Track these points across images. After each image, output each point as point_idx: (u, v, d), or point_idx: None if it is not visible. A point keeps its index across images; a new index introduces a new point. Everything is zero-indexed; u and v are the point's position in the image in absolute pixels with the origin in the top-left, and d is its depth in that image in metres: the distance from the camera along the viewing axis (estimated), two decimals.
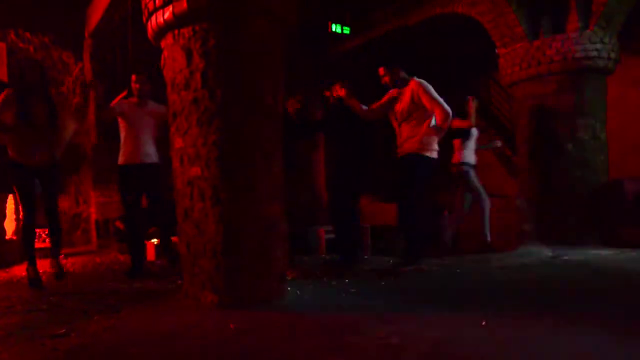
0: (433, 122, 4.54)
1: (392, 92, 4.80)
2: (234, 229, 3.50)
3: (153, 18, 3.72)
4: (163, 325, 3.18)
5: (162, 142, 4.48)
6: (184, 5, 3.43)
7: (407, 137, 4.53)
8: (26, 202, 4.45)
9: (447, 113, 4.36)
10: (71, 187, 6.90)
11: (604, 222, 6.92)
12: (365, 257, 5.94)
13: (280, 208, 3.76)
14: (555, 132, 7.26)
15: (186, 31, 3.56)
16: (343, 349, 2.61)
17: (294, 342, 2.81)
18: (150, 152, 4.94)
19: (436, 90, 4.49)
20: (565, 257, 5.51)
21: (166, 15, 3.56)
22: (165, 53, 3.84)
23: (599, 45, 6.97)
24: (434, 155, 4.54)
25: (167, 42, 3.77)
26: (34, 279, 4.40)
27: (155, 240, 5.91)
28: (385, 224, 9.17)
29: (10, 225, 5.94)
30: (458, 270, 4.88)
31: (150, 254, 5.80)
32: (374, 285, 4.23)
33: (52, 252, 4.78)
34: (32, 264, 4.45)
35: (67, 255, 6.13)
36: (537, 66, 7.26)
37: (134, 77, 4.90)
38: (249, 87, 3.56)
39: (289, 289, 3.96)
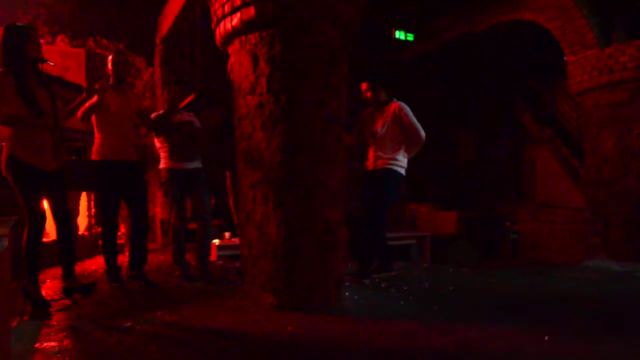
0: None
1: (366, 111, 4.97)
2: (295, 233, 3.54)
3: (221, 24, 3.83)
4: (222, 323, 3.27)
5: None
6: (252, 12, 3.52)
7: (382, 154, 4.73)
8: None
9: (423, 137, 4.67)
10: None
11: None
12: (425, 264, 5.86)
13: (341, 213, 3.78)
14: (628, 142, 6.94)
15: (253, 37, 3.65)
16: (400, 357, 2.60)
17: (351, 347, 2.82)
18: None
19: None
20: (637, 274, 5.25)
21: (234, 22, 3.66)
22: (232, 58, 3.94)
23: None
24: (404, 172, 4.80)
25: (234, 47, 3.87)
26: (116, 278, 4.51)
27: (217, 241, 6.05)
28: (445, 232, 9.07)
29: (82, 222, 6.23)
30: (519, 282, 4.74)
31: (213, 254, 5.95)
32: (430, 293, 4.18)
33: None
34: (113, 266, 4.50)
35: None
36: (609, 74, 6.97)
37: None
38: (313, 92, 3.60)
39: (346, 293, 3.97)
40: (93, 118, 4.38)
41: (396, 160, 4.71)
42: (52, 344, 2.82)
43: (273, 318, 3.33)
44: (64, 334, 3.02)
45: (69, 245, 3.87)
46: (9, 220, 2.23)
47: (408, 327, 3.12)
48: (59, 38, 6.56)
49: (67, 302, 3.79)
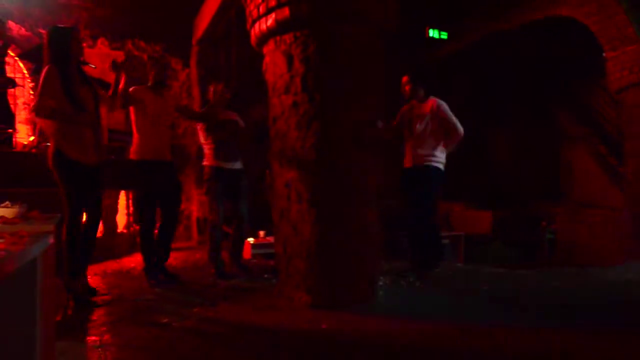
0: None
1: (404, 107, 4.96)
2: (330, 231, 3.56)
3: (256, 25, 3.87)
4: (257, 321, 3.31)
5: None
6: (286, 12, 3.55)
7: (421, 151, 4.72)
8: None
9: (462, 133, 4.69)
10: None
11: None
12: (459, 264, 5.82)
13: (375, 212, 3.78)
14: None
15: (287, 37, 3.68)
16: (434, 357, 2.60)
17: (385, 346, 2.82)
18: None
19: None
20: None
21: (269, 23, 3.70)
22: (267, 58, 3.99)
23: None
24: (443, 167, 4.81)
25: (268, 48, 3.91)
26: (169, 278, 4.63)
27: (251, 239, 6.11)
28: (479, 232, 8.96)
29: (121, 220, 6.37)
30: (558, 283, 4.66)
31: (247, 252, 6.01)
32: (465, 294, 4.15)
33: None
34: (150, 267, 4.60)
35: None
36: None
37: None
38: (348, 92, 3.61)
39: (380, 292, 3.97)
40: (132, 118, 4.50)
41: (435, 156, 4.70)
42: (94, 338, 2.91)
43: (308, 316, 3.36)
44: (105, 328, 3.11)
45: (93, 242, 3.98)
46: (53, 217, 2.31)
47: (443, 328, 3.11)
48: (99, 41, 6.75)
49: (107, 297, 3.90)
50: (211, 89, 4.98)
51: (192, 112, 4.81)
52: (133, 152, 4.51)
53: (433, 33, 9.62)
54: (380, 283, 4.26)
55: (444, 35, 9.80)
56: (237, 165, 4.99)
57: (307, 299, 3.60)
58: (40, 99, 3.46)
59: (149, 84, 4.58)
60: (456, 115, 4.71)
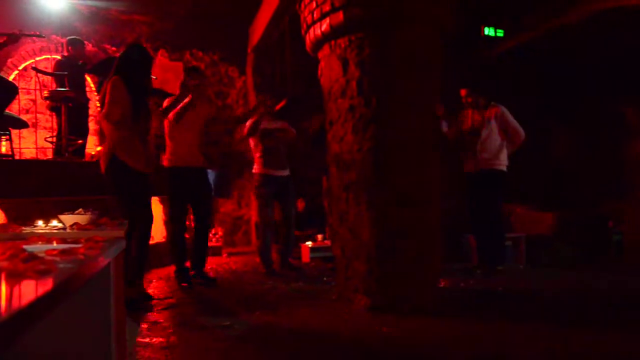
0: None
1: (465, 111, 5.09)
2: (389, 234, 3.53)
3: (311, 31, 3.91)
4: (317, 324, 3.32)
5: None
6: (341, 16, 3.56)
7: (485, 155, 4.88)
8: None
9: (523, 136, 4.90)
10: (234, 191, 7.47)
11: None
12: (521, 266, 5.67)
13: (437, 214, 3.74)
14: None
15: (342, 41, 3.69)
16: None
17: (448, 349, 2.78)
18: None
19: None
20: None
21: (323, 27, 3.72)
22: (322, 63, 4.01)
23: None
24: (506, 169, 4.99)
25: (323, 52, 3.93)
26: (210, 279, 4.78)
27: (309, 243, 6.16)
28: (541, 233, 8.67)
29: (159, 228, 6.51)
30: (630, 286, 4.45)
31: (305, 256, 6.07)
32: (528, 297, 4.03)
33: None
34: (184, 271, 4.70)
35: (229, 255, 6.65)
36: None
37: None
38: (405, 94, 3.58)
39: (443, 295, 3.91)
40: (165, 127, 4.63)
41: (499, 160, 4.89)
42: (160, 339, 3.00)
43: (367, 319, 3.35)
44: (170, 331, 3.20)
45: (146, 249, 4.04)
46: (122, 223, 2.40)
47: (507, 333, 3.03)
48: (159, 53, 6.99)
49: (171, 301, 4.02)
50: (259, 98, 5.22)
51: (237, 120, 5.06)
52: (165, 159, 4.64)
53: (489, 31, 9.42)
54: (443, 285, 4.21)
55: (500, 33, 9.58)
56: (286, 172, 5.24)
57: (366, 302, 3.59)
58: (110, 106, 3.60)
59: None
60: (514, 115, 4.77)
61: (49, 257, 1.13)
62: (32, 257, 1.06)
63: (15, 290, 0.82)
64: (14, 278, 0.89)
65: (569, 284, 4.58)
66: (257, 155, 5.18)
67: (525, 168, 10.16)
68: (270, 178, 5.13)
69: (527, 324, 3.23)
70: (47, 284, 0.82)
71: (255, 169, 5.23)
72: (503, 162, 4.92)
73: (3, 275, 0.91)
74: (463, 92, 5.04)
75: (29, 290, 0.81)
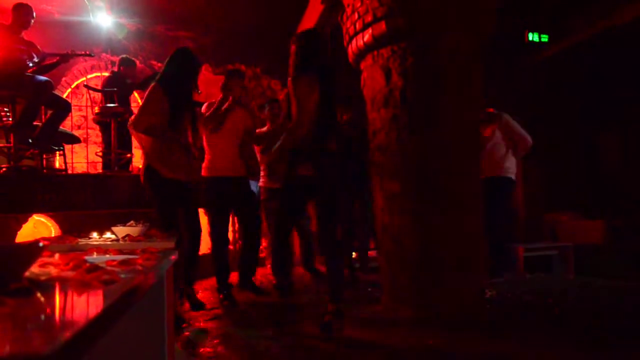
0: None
1: None
2: (433, 244, 3.50)
3: (353, 42, 3.93)
4: (363, 335, 3.30)
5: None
6: (383, 27, 3.57)
7: (491, 162, 4.95)
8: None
9: (531, 143, 5.03)
10: None
11: None
12: (570, 277, 5.52)
13: (480, 224, 3.68)
14: None
15: (385, 51, 3.70)
16: None
17: None
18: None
19: None
20: None
21: (366, 38, 3.74)
22: (364, 74, 4.02)
23: None
24: (514, 177, 5.12)
25: (366, 63, 3.94)
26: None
27: (354, 254, 6.13)
28: (590, 242, 8.39)
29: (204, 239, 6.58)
30: None
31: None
32: (575, 310, 3.89)
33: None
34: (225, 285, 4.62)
35: None
36: None
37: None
38: (448, 103, 3.56)
39: (487, 306, 3.83)
40: (204, 136, 4.54)
41: (504, 167, 4.99)
42: (208, 349, 3.04)
43: (412, 331, 3.30)
44: (217, 340, 3.23)
45: (194, 259, 4.04)
46: (173, 234, 2.46)
47: (556, 350, 2.94)
48: (203, 67, 7.13)
49: (218, 311, 4.06)
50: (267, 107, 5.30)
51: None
52: (204, 169, 4.53)
53: (533, 36, 9.26)
54: (487, 296, 4.12)
55: (545, 38, 9.40)
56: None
57: (411, 313, 3.55)
58: (139, 114, 3.56)
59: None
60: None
61: (110, 268, 1.16)
62: (96, 267, 1.09)
63: (83, 299, 0.85)
64: (81, 288, 0.92)
65: (622, 297, 4.41)
66: (262, 168, 5.21)
67: (572, 175, 9.91)
68: (274, 192, 5.00)
69: (577, 344, 3.12)
70: (114, 294, 0.84)
71: (261, 182, 5.25)
72: (509, 169, 5.00)
73: (71, 285, 0.94)
74: (490, 110, 5.12)
75: (97, 300, 0.83)
